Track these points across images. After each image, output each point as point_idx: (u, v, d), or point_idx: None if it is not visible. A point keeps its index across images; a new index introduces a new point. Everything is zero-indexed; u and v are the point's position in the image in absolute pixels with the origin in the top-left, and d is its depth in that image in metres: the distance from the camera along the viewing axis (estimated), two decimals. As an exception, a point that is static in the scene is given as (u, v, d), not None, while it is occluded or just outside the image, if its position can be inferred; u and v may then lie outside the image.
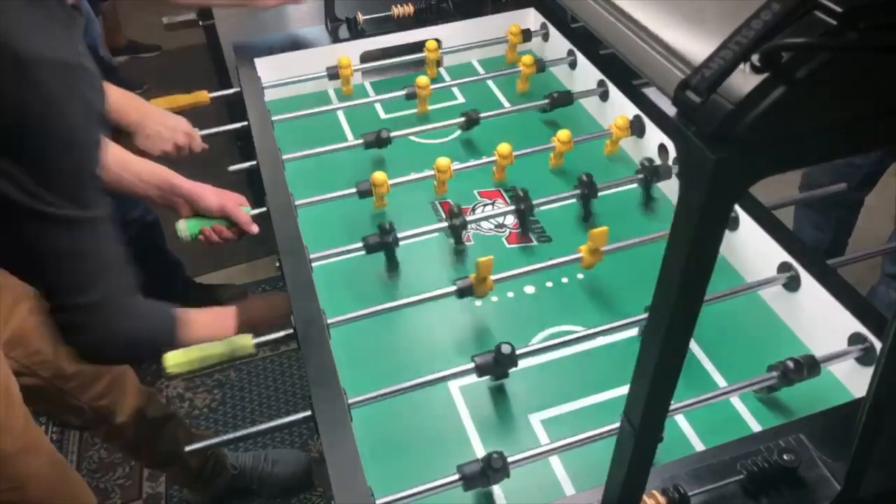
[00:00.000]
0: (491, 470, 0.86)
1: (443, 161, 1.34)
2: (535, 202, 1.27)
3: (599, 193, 1.31)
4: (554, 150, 1.42)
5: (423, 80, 1.56)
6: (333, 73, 1.63)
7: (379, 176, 1.31)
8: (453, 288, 1.10)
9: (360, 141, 1.45)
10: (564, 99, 1.54)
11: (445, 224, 1.26)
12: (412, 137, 1.52)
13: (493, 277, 1.14)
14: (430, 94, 1.58)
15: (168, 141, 1.38)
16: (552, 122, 1.56)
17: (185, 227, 1.22)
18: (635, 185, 1.37)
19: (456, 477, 0.87)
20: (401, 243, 1.22)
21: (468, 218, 1.27)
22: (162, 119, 1.39)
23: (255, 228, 1.25)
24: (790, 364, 0.96)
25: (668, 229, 0.50)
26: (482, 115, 1.50)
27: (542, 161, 1.45)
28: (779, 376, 0.96)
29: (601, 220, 1.33)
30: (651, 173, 1.34)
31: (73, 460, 1.92)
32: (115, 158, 1.14)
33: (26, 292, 1.26)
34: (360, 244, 1.20)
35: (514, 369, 1.01)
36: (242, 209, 1.24)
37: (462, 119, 1.50)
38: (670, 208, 1.33)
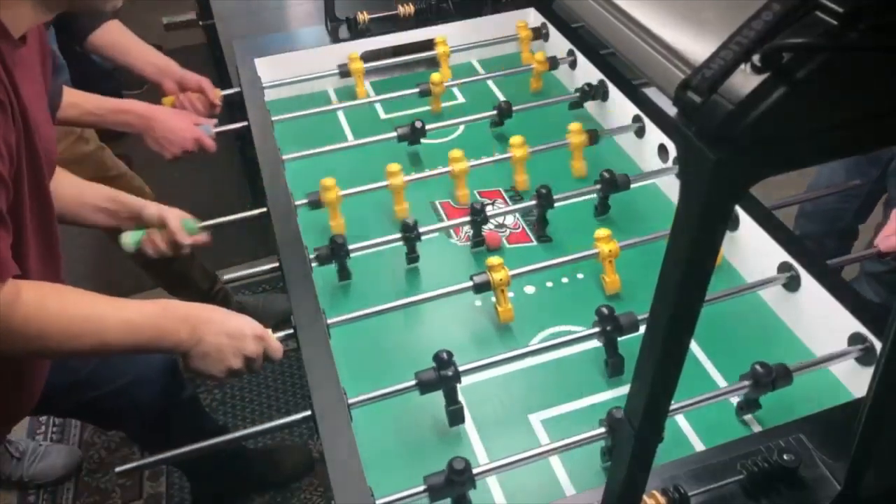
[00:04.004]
0: (455, 475, 0.83)
1: (456, 151, 1.36)
2: (555, 197, 1.27)
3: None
4: (570, 145, 1.42)
5: (436, 76, 1.56)
6: (345, 71, 1.64)
7: (394, 170, 1.32)
8: (469, 284, 1.11)
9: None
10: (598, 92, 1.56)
11: (467, 219, 1.26)
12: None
13: (495, 276, 1.14)
14: (444, 91, 1.58)
15: (177, 146, 1.41)
16: (555, 123, 1.56)
17: (130, 241, 1.21)
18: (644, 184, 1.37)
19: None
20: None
21: (490, 213, 1.27)
22: (168, 124, 1.40)
23: (185, 240, 1.21)
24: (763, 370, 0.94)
25: (669, 229, 0.50)
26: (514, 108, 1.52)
27: (541, 161, 1.45)
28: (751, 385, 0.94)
29: (611, 218, 1.33)
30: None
31: (72, 460, 1.92)
32: (70, 189, 1.16)
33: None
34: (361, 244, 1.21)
35: (514, 369, 1.01)
36: (183, 221, 1.21)
37: (494, 112, 1.52)
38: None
